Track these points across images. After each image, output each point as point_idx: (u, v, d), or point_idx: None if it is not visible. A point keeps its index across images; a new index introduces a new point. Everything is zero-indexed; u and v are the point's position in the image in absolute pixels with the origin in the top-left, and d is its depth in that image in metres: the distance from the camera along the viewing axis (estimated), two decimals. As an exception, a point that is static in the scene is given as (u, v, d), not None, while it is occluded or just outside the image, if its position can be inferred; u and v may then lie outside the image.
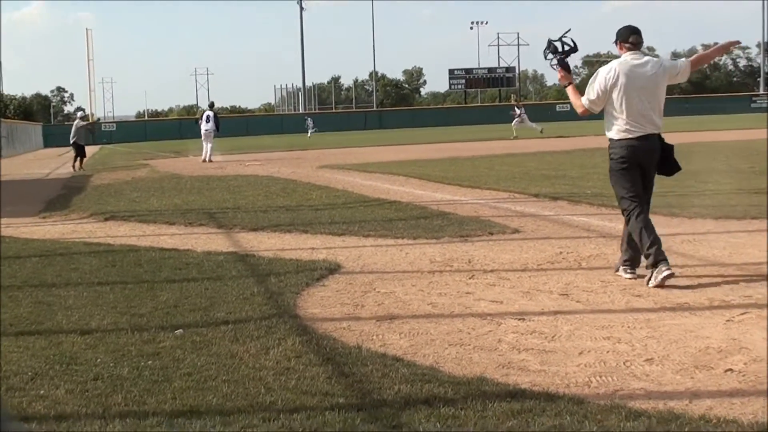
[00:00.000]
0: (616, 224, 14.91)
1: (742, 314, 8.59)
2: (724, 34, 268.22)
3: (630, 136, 10.50)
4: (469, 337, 8.13)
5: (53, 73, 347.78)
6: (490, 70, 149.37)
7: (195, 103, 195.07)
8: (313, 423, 5.74)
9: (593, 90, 10.62)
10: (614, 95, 10.47)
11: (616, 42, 10.78)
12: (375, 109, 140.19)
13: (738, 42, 12.44)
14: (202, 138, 43.42)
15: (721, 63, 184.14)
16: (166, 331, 8.40)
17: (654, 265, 10.06)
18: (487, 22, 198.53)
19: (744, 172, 24.73)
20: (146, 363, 7.34)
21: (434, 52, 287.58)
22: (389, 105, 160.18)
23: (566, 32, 10.97)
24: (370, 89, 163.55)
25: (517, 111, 63.49)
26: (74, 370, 7.19)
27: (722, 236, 13.46)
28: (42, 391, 6.66)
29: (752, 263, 11.15)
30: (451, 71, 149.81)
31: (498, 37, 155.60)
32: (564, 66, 11.16)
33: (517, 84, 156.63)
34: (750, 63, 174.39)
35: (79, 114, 45.38)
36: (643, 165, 10.61)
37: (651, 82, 10.56)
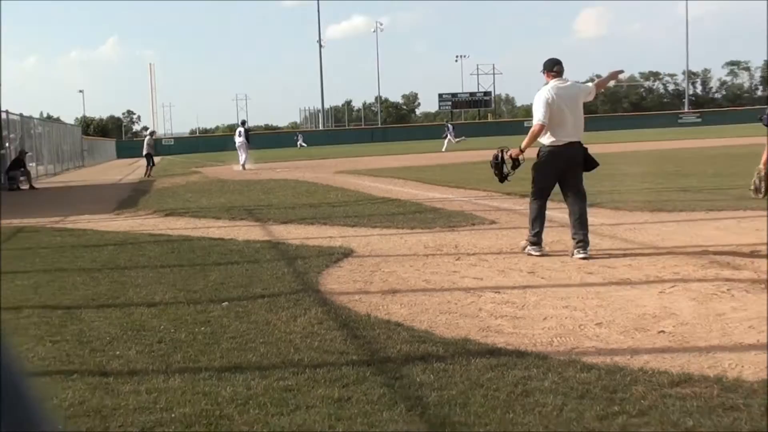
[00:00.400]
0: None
1: (672, 287, 8.60)
2: (657, 63, 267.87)
3: (559, 143, 10.98)
4: (456, 306, 8.14)
5: (124, 99, 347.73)
6: (471, 94, 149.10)
7: (236, 122, 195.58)
8: (332, 375, 5.76)
9: (542, 110, 11.00)
10: (550, 112, 10.89)
11: (543, 71, 11.32)
12: (380, 126, 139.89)
13: (622, 71, 12.85)
14: (237, 149, 43.11)
15: (654, 87, 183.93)
16: (215, 304, 8.42)
17: (532, 244, 11.15)
18: (468, 56, 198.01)
19: (673, 174, 24.74)
20: (199, 329, 7.36)
21: (427, 80, 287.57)
22: (391, 122, 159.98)
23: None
24: (376, 110, 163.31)
25: (450, 127, 63.34)
26: (143, 335, 7.22)
27: (656, 225, 13.46)
28: (118, 352, 6.68)
29: (680, 246, 11.14)
30: (440, 95, 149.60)
31: (477, 68, 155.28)
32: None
33: (493, 105, 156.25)
34: (677, 87, 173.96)
35: (148, 131, 46.33)
36: (568, 166, 11.12)
37: (573, 100, 11.06)
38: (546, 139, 11.10)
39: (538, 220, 11.32)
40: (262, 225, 15.97)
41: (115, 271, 10.84)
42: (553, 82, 11.08)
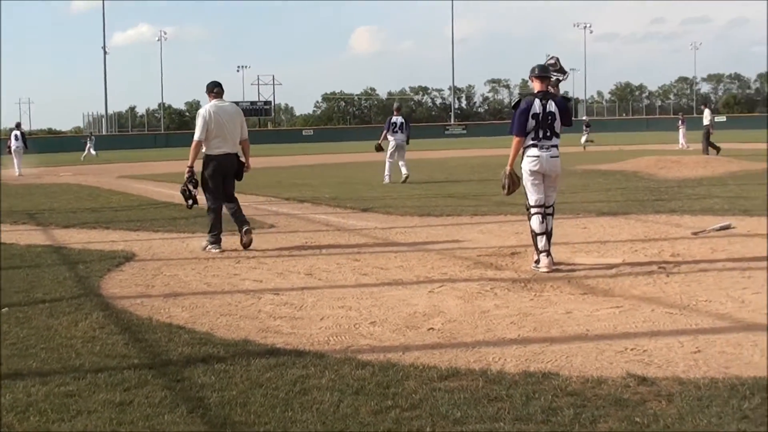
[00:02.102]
0: (348, 220, 15.12)
1: (440, 287, 8.79)
2: (427, 78, 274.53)
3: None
4: (236, 308, 8.06)
5: None
6: (252, 102, 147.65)
7: (13, 126, 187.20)
8: (114, 379, 5.59)
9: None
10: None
11: (221, 92, 12.31)
12: (163, 131, 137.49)
13: None
14: (13, 154, 39.56)
15: (423, 101, 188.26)
16: (-6, 310, 8.02)
17: (210, 243, 11.95)
18: (249, 66, 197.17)
19: (442, 181, 25.38)
20: (-23, 335, 7.00)
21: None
22: (174, 128, 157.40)
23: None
24: (159, 116, 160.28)
25: None
26: None
27: (425, 229, 13.75)
28: None
29: (447, 248, 11.42)
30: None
31: (258, 78, 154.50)
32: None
33: (273, 114, 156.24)
34: (444, 101, 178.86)
35: None
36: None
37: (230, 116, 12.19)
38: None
39: (217, 220, 12.15)
40: (43, 229, 15.37)
41: None
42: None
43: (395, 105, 26.46)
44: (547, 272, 9.47)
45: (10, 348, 6.57)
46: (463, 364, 5.92)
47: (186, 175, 12.32)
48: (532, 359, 6.02)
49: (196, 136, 12.04)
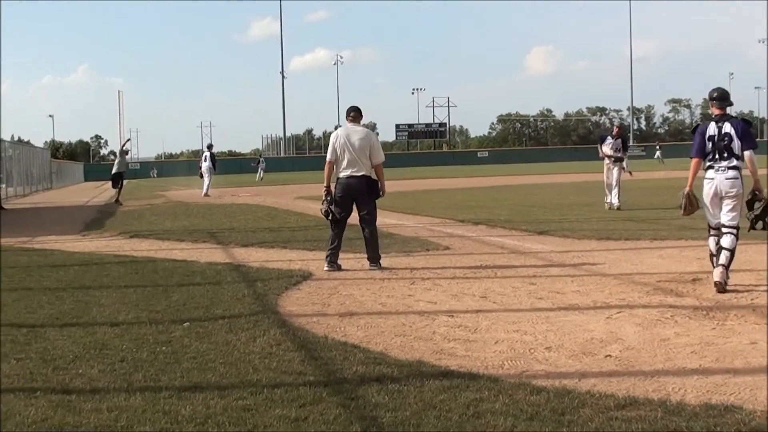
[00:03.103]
0: (523, 243, 15.00)
1: (618, 313, 8.60)
2: (606, 99, 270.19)
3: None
4: (410, 329, 8.09)
5: (93, 124, 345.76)
6: (427, 125, 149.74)
7: (201, 147, 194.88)
8: (290, 395, 5.69)
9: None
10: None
11: (358, 116, 12.72)
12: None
13: None
14: (203, 174, 40.11)
15: (601, 122, 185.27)
16: (177, 324, 8.31)
17: (326, 261, 12.34)
18: (424, 89, 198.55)
19: (621, 204, 24.86)
20: (161, 349, 7.26)
21: (385, 111, 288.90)
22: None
23: None
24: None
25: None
26: (105, 354, 7.11)
27: (603, 253, 13.50)
28: (80, 370, 6.57)
29: (625, 273, 11.18)
30: (397, 125, 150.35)
31: (433, 100, 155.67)
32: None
33: (448, 136, 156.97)
34: (622, 122, 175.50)
35: (121, 145, 36.75)
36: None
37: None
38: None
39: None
40: (223, 248, 15.86)
41: (79, 291, 10.69)
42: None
43: (615, 123, 25.25)
44: (718, 282, 9.48)
45: (190, 361, 6.79)
46: (641, 393, 5.75)
47: (323, 196, 12.56)
48: (713, 391, 5.80)
49: (327, 158, 12.56)
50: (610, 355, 6.92)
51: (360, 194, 12.43)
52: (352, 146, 12.27)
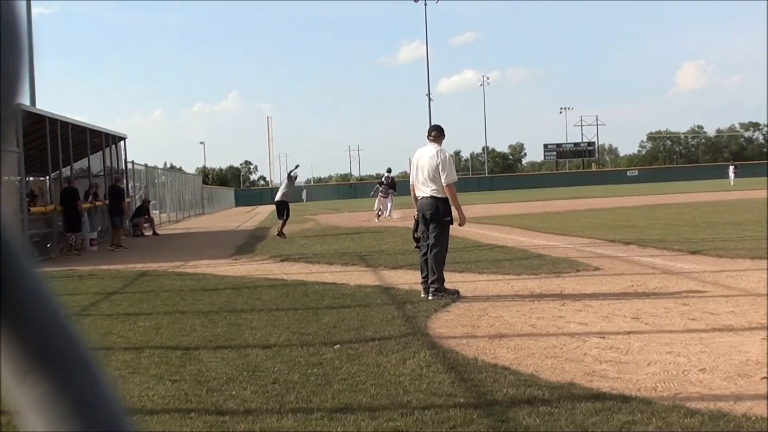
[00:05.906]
0: (675, 263, 14.69)
1: (778, 334, 8.36)
2: (759, 114, 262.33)
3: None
4: (561, 351, 8.03)
5: (242, 150, 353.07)
6: (576, 144, 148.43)
7: (349, 171, 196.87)
8: (440, 417, 5.73)
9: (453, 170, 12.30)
10: None
11: (438, 136, 12.45)
12: (486, 175, 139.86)
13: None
14: (380, 198, 39.76)
15: (754, 138, 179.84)
16: (327, 346, 8.45)
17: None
18: (572, 108, 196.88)
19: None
20: (312, 371, 7.40)
21: (532, 131, 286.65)
22: (497, 172, 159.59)
23: None
24: (483, 160, 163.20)
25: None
26: (257, 376, 7.28)
27: (757, 272, 13.11)
28: (234, 392, 6.75)
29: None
30: (545, 145, 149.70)
31: (581, 119, 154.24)
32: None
33: (597, 155, 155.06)
34: None
35: (290, 172, 34.49)
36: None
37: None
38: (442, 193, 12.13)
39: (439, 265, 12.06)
40: (373, 270, 16.03)
41: (231, 314, 10.98)
42: (438, 145, 12.34)
43: None
44: None
45: (341, 383, 6.89)
46: (802, 416, 5.59)
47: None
48: None
49: (452, 178, 12.23)
50: (766, 378, 6.74)
51: (426, 216, 12.08)
52: (421, 166, 12.17)
